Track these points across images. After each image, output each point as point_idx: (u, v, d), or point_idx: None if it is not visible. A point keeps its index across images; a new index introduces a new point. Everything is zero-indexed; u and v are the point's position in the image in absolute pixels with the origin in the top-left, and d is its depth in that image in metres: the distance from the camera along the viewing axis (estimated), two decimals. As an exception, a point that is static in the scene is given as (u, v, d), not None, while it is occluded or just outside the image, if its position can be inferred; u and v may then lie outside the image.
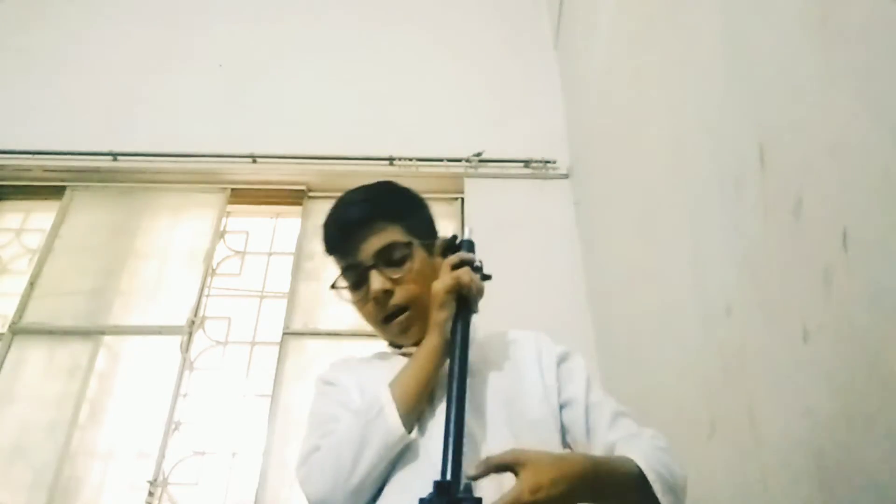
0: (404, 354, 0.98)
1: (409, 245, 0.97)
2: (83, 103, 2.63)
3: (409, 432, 0.83)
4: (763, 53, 0.94)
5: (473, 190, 2.44)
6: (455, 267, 0.91)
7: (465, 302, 0.89)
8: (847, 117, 0.72)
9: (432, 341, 0.88)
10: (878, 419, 0.67)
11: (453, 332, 0.87)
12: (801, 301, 0.82)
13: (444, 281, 0.89)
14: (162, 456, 1.98)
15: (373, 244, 0.95)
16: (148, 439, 2.02)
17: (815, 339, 0.79)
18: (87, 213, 2.44)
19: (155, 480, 1.92)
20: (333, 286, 1.00)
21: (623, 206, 1.77)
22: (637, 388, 1.65)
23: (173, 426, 2.05)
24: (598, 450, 0.88)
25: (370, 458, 0.81)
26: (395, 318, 0.95)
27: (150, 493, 1.90)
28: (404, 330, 0.96)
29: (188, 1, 2.99)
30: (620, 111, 1.80)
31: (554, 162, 2.50)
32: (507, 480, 0.81)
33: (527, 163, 2.49)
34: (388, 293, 0.93)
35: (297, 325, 2.22)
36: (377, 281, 0.93)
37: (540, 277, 2.25)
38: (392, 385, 0.86)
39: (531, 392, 0.93)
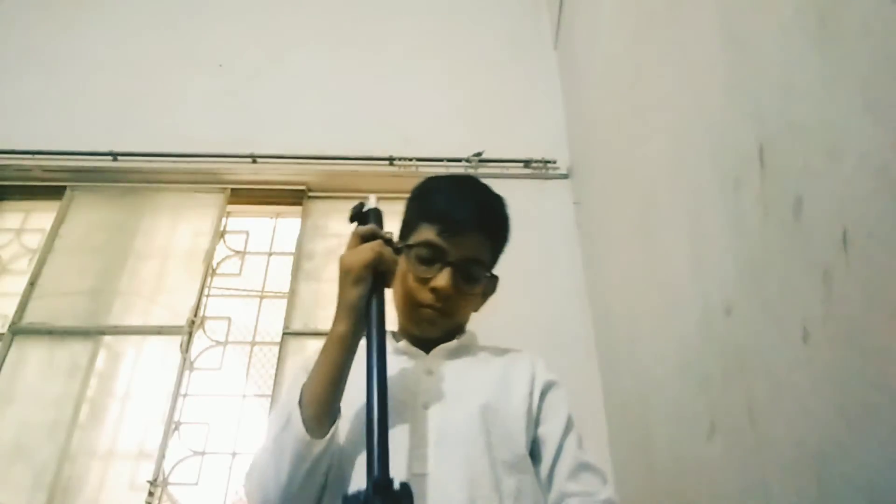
0: (398, 349, 0.99)
1: (485, 270, 1.00)
2: (83, 103, 2.63)
3: (321, 437, 0.81)
4: (763, 53, 0.94)
5: (473, 190, 2.44)
6: (366, 239, 0.86)
7: (381, 278, 0.85)
8: (847, 117, 0.72)
9: (342, 327, 0.84)
10: (878, 419, 0.67)
11: (369, 311, 0.83)
12: (801, 301, 0.82)
13: (361, 254, 0.84)
14: (162, 456, 1.98)
15: (470, 249, 0.97)
16: (148, 439, 2.02)
17: (815, 339, 0.79)
18: (87, 213, 2.44)
19: (155, 480, 1.92)
20: (407, 244, 0.98)
21: (623, 206, 1.77)
22: (637, 388, 1.65)
23: (173, 426, 2.05)
24: (552, 494, 0.89)
25: (287, 471, 0.80)
26: (434, 312, 0.96)
27: (150, 493, 1.90)
28: (432, 324, 0.98)
29: (188, 1, 2.98)
30: (620, 111, 1.80)
31: (554, 162, 2.50)
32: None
33: (527, 163, 2.49)
34: (449, 295, 0.95)
35: (297, 325, 2.22)
36: (449, 280, 0.94)
37: (540, 277, 2.25)
38: (304, 385, 0.84)
39: (515, 404, 0.94)
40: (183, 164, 2.47)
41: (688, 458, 1.27)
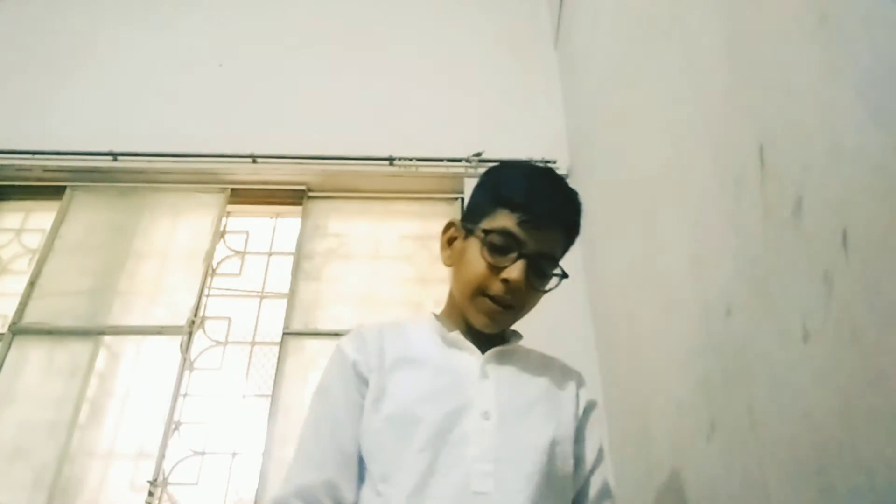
0: (451, 340, 0.94)
1: (556, 267, 0.96)
2: (83, 103, 2.63)
3: None
4: (763, 53, 0.94)
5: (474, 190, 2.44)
6: None
7: None
8: (847, 117, 0.72)
9: None
10: (878, 419, 0.67)
11: None
12: (801, 301, 0.82)
13: None
14: (162, 456, 1.98)
15: (547, 244, 0.93)
16: (148, 439, 2.02)
17: (815, 339, 0.79)
18: (87, 213, 2.44)
19: (155, 480, 1.92)
20: (483, 229, 0.93)
21: (623, 207, 1.77)
22: (637, 388, 1.65)
23: (173, 426, 2.05)
24: None
25: None
26: (499, 304, 0.92)
27: (150, 493, 1.90)
28: (494, 319, 0.94)
29: (188, 1, 2.99)
30: (621, 111, 1.80)
31: (554, 162, 2.50)
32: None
33: (527, 163, 2.49)
34: (520, 289, 0.91)
35: (297, 325, 2.22)
36: (522, 273, 0.90)
37: (540, 277, 2.25)
38: None
39: (566, 423, 0.93)
40: (183, 164, 2.47)
41: (688, 458, 1.27)
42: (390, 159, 2.45)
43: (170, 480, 2.01)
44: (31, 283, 2.26)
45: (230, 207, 2.51)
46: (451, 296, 1.01)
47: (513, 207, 0.92)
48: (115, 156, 2.47)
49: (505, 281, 0.90)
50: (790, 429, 0.86)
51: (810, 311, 0.80)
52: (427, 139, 2.51)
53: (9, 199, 2.54)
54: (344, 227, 2.47)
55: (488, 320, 0.94)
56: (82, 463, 1.99)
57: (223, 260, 2.45)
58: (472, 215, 0.97)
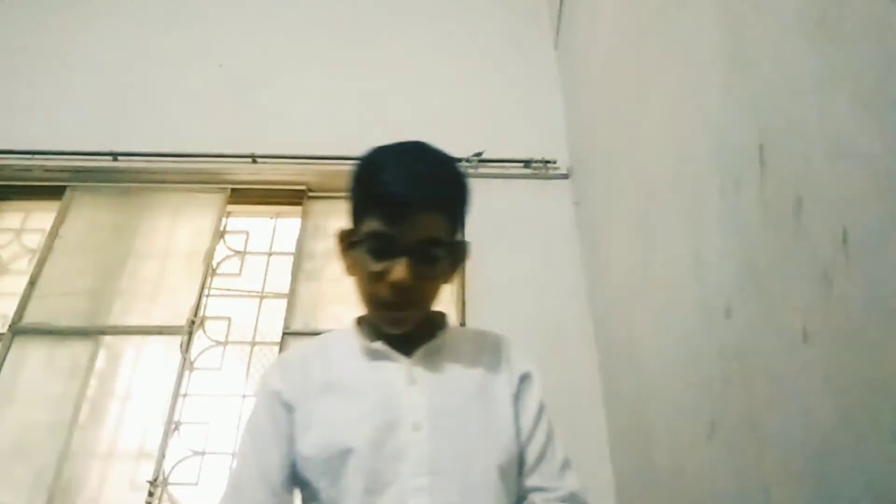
0: (374, 351, 0.91)
1: (446, 246, 0.89)
2: (83, 103, 2.63)
3: None
4: (763, 53, 0.94)
5: (473, 190, 2.43)
6: None
7: None
8: (847, 117, 0.72)
9: None
10: (878, 419, 0.67)
11: None
12: (801, 301, 0.82)
13: None
14: (162, 456, 1.98)
15: (421, 230, 0.86)
16: (148, 439, 2.02)
17: (815, 339, 0.79)
18: (87, 213, 2.44)
19: (155, 480, 1.92)
20: (352, 239, 0.90)
21: (623, 206, 1.77)
22: (637, 388, 1.65)
23: (173, 426, 2.05)
24: (519, 488, 0.88)
25: None
26: (397, 309, 0.87)
27: (150, 493, 1.90)
28: (399, 324, 0.89)
29: (188, 1, 2.99)
30: (620, 111, 1.80)
31: (554, 162, 2.50)
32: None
33: (527, 163, 2.49)
34: (409, 286, 0.85)
35: (297, 325, 2.22)
36: (406, 272, 0.84)
37: (540, 277, 2.25)
38: None
39: (502, 412, 0.90)
40: (183, 164, 2.47)
41: (688, 458, 1.27)
42: (390, 159, 2.45)
43: (170, 480, 2.01)
44: (31, 283, 2.26)
45: (230, 207, 2.51)
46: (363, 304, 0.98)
47: (375, 208, 0.87)
48: (115, 156, 2.47)
49: (392, 284, 0.85)
50: (790, 429, 0.86)
51: (810, 311, 0.80)
52: (427, 139, 2.49)
53: (9, 199, 2.54)
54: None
55: (395, 326, 0.90)
56: (82, 463, 1.99)
57: (223, 260, 2.44)
58: (352, 220, 0.93)
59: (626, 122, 1.74)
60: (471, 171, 2.47)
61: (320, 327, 2.21)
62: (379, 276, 0.86)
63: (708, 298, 1.16)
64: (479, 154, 2.47)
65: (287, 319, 2.22)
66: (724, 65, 1.08)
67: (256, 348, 2.42)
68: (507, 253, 2.30)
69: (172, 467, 2.03)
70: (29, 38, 2.84)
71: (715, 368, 1.13)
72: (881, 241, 0.66)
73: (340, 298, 2.27)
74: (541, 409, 0.94)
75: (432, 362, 0.91)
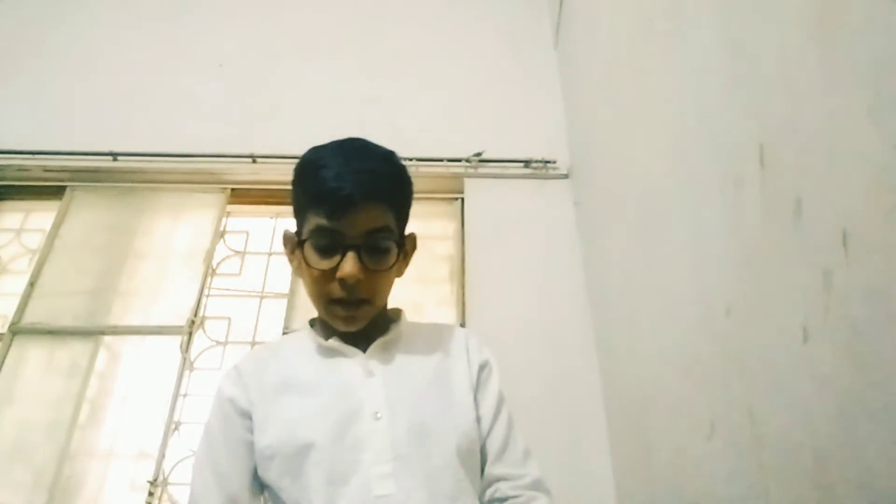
0: (328, 349, 0.91)
1: (394, 236, 0.89)
2: (83, 103, 2.63)
3: None
4: (763, 53, 0.94)
5: (473, 190, 2.44)
6: None
7: None
8: (847, 117, 0.72)
9: None
10: (878, 419, 0.67)
11: None
12: (801, 301, 0.82)
13: None
14: (162, 456, 1.98)
15: (366, 221, 0.85)
16: (148, 439, 2.02)
17: (815, 339, 0.79)
18: (87, 213, 2.44)
19: (155, 480, 1.92)
20: (298, 239, 0.89)
21: (623, 206, 1.77)
22: (637, 387, 1.65)
23: (173, 426, 2.05)
24: (483, 477, 0.89)
25: None
26: (349, 306, 0.87)
27: (150, 493, 1.90)
28: (352, 322, 0.89)
29: (188, 1, 2.99)
30: (620, 111, 1.80)
31: (554, 162, 2.50)
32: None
33: (527, 163, 2.49)
34: (359, 281, 0.85)
35: (297, 325, 2.22)
36: (355, 265, 0.84)
37: (540, 277, 2.25)
38: None
39: (461, 399, 0.91)
40: (183, 164, 2.47)
41: (688, 458, 1.27)
42: (390, 159, 2.45)
43: (170, 480, 2.01)
44: (31, 283, 2.26)
45: (230, 207, 2.51)
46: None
47: (316, 204, 0.86)
48: (115, 156, 2.47)
49: (342, 280, 0.85)
50: (790, 429, 0.86)
51: (810, 311, 0.80)
52: (427, 139, 2.51)
53: (9, 199, 2.54)
54: (344, 227, 2.46)
55: (347, 323, 0.89)
56: (82, 463, 1.99)
57: (223, 260, 2.45)
58: (297, 222, 0.93)
59: (626, 122, 1.74)
60: (471, 171, 2.47)
61: (320, 327, 2.21)
62: (328, 274, 0.86)
63: (708, 298, 1.16)
64: (479, 154, 2.47)
65: (287, 319, 2.22)
66: (724, 65, 1.08)
67: (256, 348, 2.42)
68: (507, 253, 2.30)
69: (172, 467, 2.03)
70: (29, 38, 2.84)
71: (715, 368, 1.13)
72: (881, 241, 0.66)
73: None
74: (500, 399, 0.95)
75: (388, 354, 0.92)
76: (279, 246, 2.51)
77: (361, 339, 0.92)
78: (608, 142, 1.95)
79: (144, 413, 2.07)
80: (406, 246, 0.95)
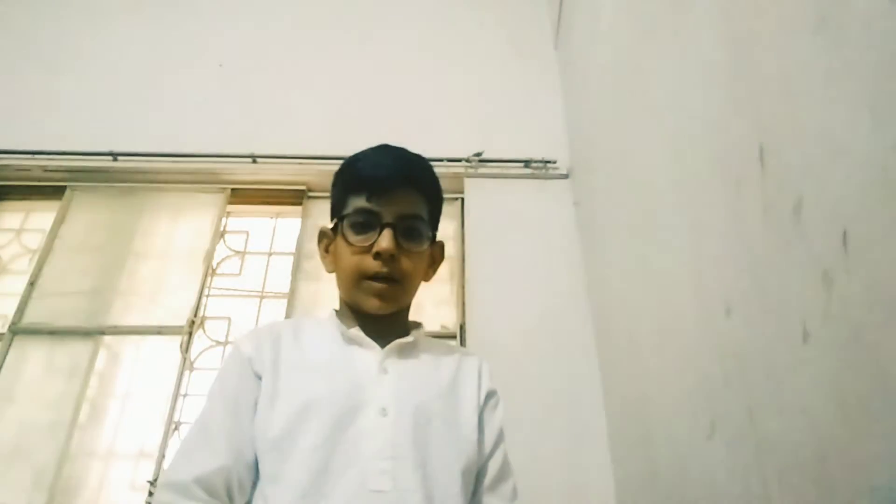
0: (349, 337, 0.93)
1: (427, 227, 0.96)
2: (83, 103, 2.63)
3: None
4: (763, 53, 0.94)
5: (473, 190, 2.44)
6: None
7: None
8: (847, 117, 0.72)
9: None
10: (878, 419, 0.67)
11: None
12: (801, 301, 0.82)
13: None
14: (162, 456, 1.98)
15: (402, 205, 0.93)
16: (148, 439, 2.02)
17: (815, 339, 0.79)
18: (87, 213, 2.44)
19: (155, 480, 1.92)
20: (340, 215, 0.95)
21: (623, 206, 1.77)
22: (637, 387, 1.65)
23: (173, 426, 2.05)
24: (495, 500, 0.92)
25: None
26: (382, 280, 0.91)
27: (150, 493, 1.90)
28: (383, 297, 0.92)
29: (189, 1, 2.99)
30: (620, 111, 1.80)
31: (554, 162, 2.50)
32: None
33: (527, 163, 2.49)
34: (394, 257, 0.90)
35: (297, 325, 2.21)
36: (391, 241, 0.90)
37: (540, 277, 2.25)
38: None
39: (467, 415, 0.93)
40: (183, 164, 2.47)
41: (688, 458, 1.27)
42: (390, 159, 2.45)
43: (170, 480, 2.01)
44: (31, 283, 2.26)
45: (230, 207, 2.51)
46: (340, 298, 1.00)
47: (358, 187, 0.94)
48: (115, 156, 2.47)
49: (377, 255, 0.90)
50: (790, 429, 0.86)
51: (810, 311, 0.80)
52: (427, 139, 2.50)
53: (9, 199, 2.54)
54: (344, 227, 2.47)
55: (379, 301, 0.92)
56: (82, 463, 1.99)
57: (223, 260, 2.45)
58: (333, 213, 0.99)
59: (626, 121, 1.74)
60: (471, 171, 2.47)
61: (320, 327, 2.21)
62: (364, 250, 0.91)
63: (708, 298, 1.16)
64: (479, 154, 2.47)
65: (287, 319, 2.22)
66: (724, 65, 1.08)
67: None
68: (507, 253, 2.30)
69: (172, 467, 2.03)
70: (29, 38, 2.84)
71: (715, 368, 1.13)
72: (881, 241, 0.66)
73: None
74: (502, 433, 0.97)
75: (404, 356, 0.94)
76: (279, 246, 2.52)
77: (381, 336, 0.93)
78: (608, 142, 1.95)
79: (144, 413, 2.07)
80: (435, 248, 1.00)
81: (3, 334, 2.17)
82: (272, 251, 2.52)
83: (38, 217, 2.50)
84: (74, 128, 2.55)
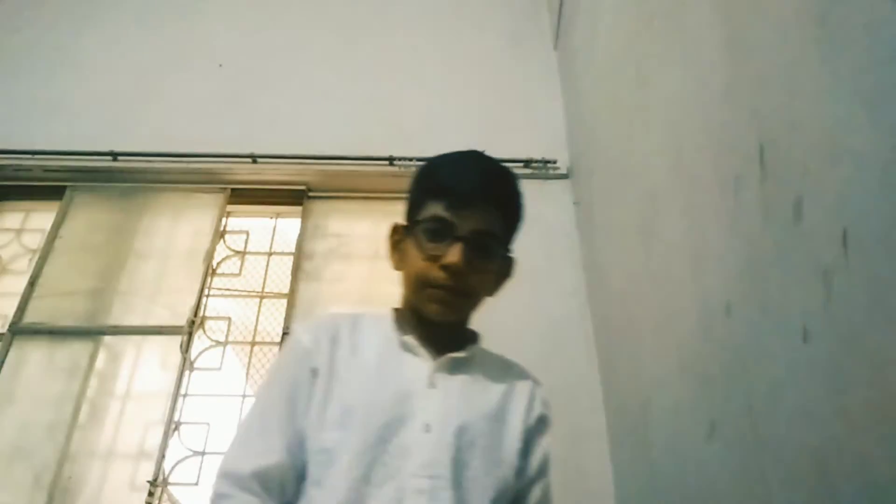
0: (403, 343, 0.92)
1: (500, 246, 0.94)
2: (83, 103, 2.63)
3: None
4: (763, 53, 0.94)
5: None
6: None
7: None
8: (847, 117, 0.72)
9: None
10: (878, 419, 0.67)
11: None
12: (801, 301, 0.82)
13: None
14: (162, 456, 1.98)
15: (478, 221, 0.90)
16: (148, 439, 2.02)
17: (815, 339, 0.79)
18: (87, 213, 2.44)
19: (155, 480, 1.92)
20: (417, 220, 0.93)
21: (623, 207, 1.77)
22: (637, 388, 1.65)
23: (173, 426, 2.05)
24: None
25: None
26: (446, 291, 0.89)
27: (150, 493, 1.90)
28: (445, 304, 0.90)
29: (188, 1, 2.98)
30: (620, 111, 1.80)
31: (554, 162, 2.50)
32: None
33: (527, 163, 2.49)
34: (461, 271, 0.88)
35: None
36: (461, 255, 0.87)
37: (540, 277, 2.25)
38: None
39: (509, 441, 0.91)
40: (183, 164, 2.47)
41: (688, 458, 1.27)
42: (390, 159, 2.45)
43: (170, 480, 2.01)
44: (31, 283, 2.25)
45: (230, 207, 2.51)
46: (403, 297, 0.99)
47: (438, 194, 0.92)
48: (115, 156, 2.47)
49: (445, 267, 0.88)
50: (790, 429, 0.86)
51: (810, 311, 0.80)
52: (427, 139, 2.50)
53: (9, 199, 2.54)
54: (344, 227, 2.47)
55: (440, 307, 0.91)
56: (82, 463, 1.99)
57: (223, 260, 2.44)
58: (409, 213, 0.97)
59: (626, 122, 1.74)
60: (471, 171, 2.46)
61: (320, 327, 2.21)
62: (432, 259, 0.90)
63: (708, 298, 1.16)
64: (479, 154, 2.47)
65: (287, 319, 2.22)
66: (724, 65, 1.08)
67: (256, 348, 2.42)
68: (507, 253, 2.29)
69: (172, 467, 2.03)
70: (29, 38, 2.84)
71: (715, 368, 1.13)
72: (881, 241, 0.66)
73: (340, 298, 2.27)
74: (547, 460, 0.95)
75: (455, 371, 0.92)
76: (279, 246, 2.51)
77: (436, 346, 0.93)
78: (608, 142, 1.95)
79: (144, 413, 2.07)
80: (504, 264, 0.98)
81: (3, 334, 2.16)
82: (272, 251, 2.52)
83: (38, 217, 2.49)
84: (74, 128, 2.55)
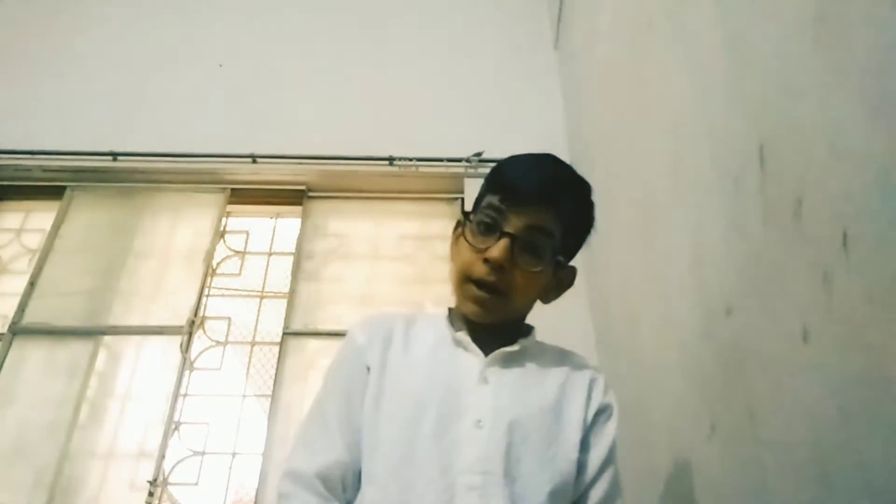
0: (455, 339, 0.92)
1: (553, 245, 0.90)
2: (83, 103, 2.63)
3: None
4: (763, 53, 0.94)
5: (473, 190, 2.39)
6: None
7: None
8: (847, 117, 0.72)
9: None
10: (878, 419, 0.67)
11: None
12: (801, 301, 0.82)
13: None
14: (162, 456, 1.98)
15: (532, 219, 0.88)
16: (148, 439, 2.02)
17: (815, 339, 0.79)
18: (87, 213, 2.44)
19: (155, 480, 1.92)
20: (473, 210, 0.93)
21: (623, 206, 1.77)
22: (637, 388, 1.65)
23: (173, 426, 2.05)
24: None
25: None
26: (484, 288, 0.88)
27: (150, 493, 1.90)
28: (482, 305, 0.89)
29: (188, 1, 2.99)
30: (620, 111, 1.80)
31: (554, 162, 2.50)
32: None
33: (527, 163, 2.49)
34: (503, 268, 0.87)
35: (297, 325, 2.22)
36: (504, 252, 0.85)
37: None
38: None
39: (568, 434, 0.89)
40: (183, 164, 2.47)
41: (688, 458, 1.27)
42: (390, 159, 2.45)
43: (170, 480, 2.01)
44: (31, 283, 2.25)
45: (230, 207, 2.51)
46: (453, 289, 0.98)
47: (498, 188, 0.91)
48: (115, 156, 2.47)
49: (487, 262, 0.87)
50: (790, 429, 0.86)
51: (810, 311, 0.80)
52: (427, 139, 2.51)
53: (9, 199, 2.54)
54: (344, 227, 2.47)
55: (477, 307, 0.89)
56: (82, 463, 1.99)
57: (223, 260, 2.44)
58: (473, 207, 0.98)
59: (625, 121, 1.74)
60: (471, 171, 2.46)
61: (320, 327, 2.22)
62: (477, 252, 0.88)
63: (708, 298, 1.16)
64: (479, 154, 2.47)
65: (287, 319, 2.22)
66: (724, 65, 1.08)
67: (256, 348, 2.42)
68: (507, 253, 2.29)
69: (172, 467, 2.03)
70: (29, 38, 2.84)
71: (715, 368, 1.13)
72: (881, 241, 0.66)
73: (340, 298, 2.27)
74: (612, 451, 0.93)
75: (507, 366, 0.91)
76: (279, 246, 2.52)
77: (488, 341, 0.92)
78: (608, 142, 1.95)
79: (144, 413, 2.07)
80: (561, 271, 0.95)
81: (3, 334, 2.16)
82: (272, 251, 2.52)
83: (38, 217, 2.49)
84: (74, 128, 2.55)
